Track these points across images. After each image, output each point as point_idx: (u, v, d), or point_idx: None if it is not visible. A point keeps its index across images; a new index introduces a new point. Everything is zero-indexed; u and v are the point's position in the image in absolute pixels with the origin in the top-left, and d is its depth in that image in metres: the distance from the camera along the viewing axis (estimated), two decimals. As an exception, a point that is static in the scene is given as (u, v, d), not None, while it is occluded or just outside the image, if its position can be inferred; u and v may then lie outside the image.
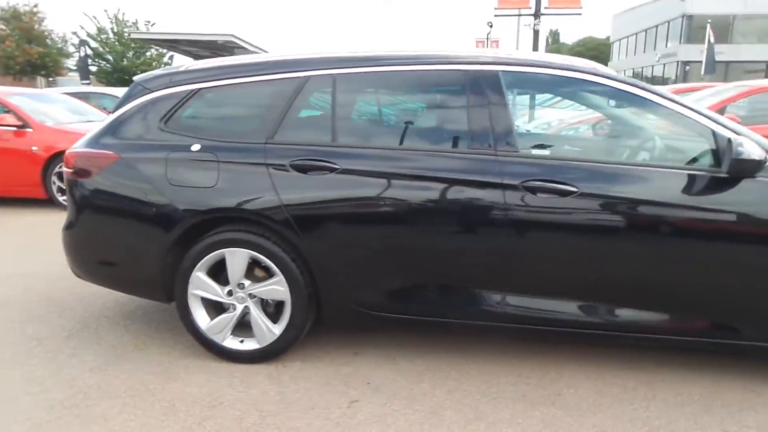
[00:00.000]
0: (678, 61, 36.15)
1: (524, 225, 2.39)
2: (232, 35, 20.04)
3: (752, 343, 2.40)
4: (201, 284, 2.65)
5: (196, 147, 2.64)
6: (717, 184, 2.32)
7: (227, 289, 2.65)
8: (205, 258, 2.60)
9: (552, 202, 2.35)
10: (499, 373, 2.61)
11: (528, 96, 2.65)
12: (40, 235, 5.30)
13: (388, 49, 2.82)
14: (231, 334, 2.69)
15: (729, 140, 2.25)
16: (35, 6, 32.88)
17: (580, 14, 15.10)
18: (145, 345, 2.92)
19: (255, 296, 2.64)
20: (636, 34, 43.35)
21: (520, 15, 16.58)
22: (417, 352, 2.81)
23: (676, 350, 2.70)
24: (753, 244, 2.31)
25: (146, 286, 2.78)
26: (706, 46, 23.56)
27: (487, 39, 51.77)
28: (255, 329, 2.66)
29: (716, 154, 2.35)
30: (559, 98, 2.84)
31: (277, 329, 2.64)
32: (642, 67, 42.89)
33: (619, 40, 48.69)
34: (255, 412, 2.32)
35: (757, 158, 2.21)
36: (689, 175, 2.35)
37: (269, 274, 2.64)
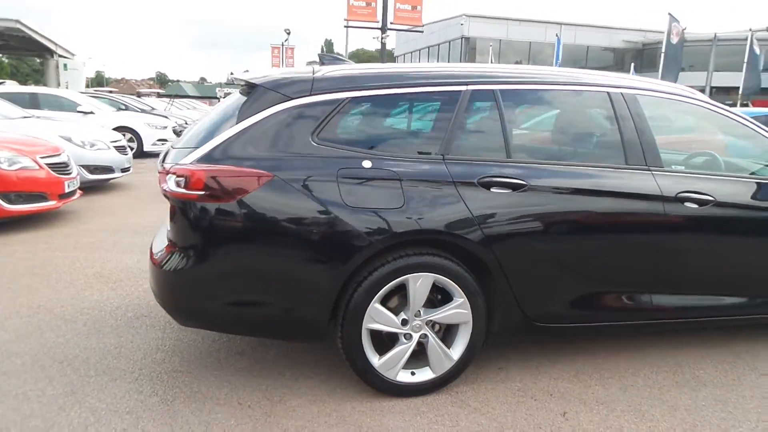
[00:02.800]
0: (459, 77, 40.88)
1: (678, 231, 2.69)
2: (18, 21, 16.79)
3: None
4: (379, 316, 2.38)
5: (367, 164, 2.36)
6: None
7: (401, 318, 2.43)
8: (386, 287, 2.35)
9: (694, 210, 2.70)
10: (636, 367, 2.87)
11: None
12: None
13: (540, 68, 2.88)
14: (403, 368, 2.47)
15: None
16: None
17: (421, 32, 16.24)
18: (277, 395, 2.49)
19: (431, 322, 2.47)
20: (420, 50, 47.80)
21: (348, 27, 17.15)
22: (550, 359, 2.91)
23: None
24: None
25: (303, 324, 2.39)
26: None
27: (283, 46, 52.14)
28: (432, 357, 2.48)
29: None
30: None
31: (455, 354, 2.51)
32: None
33: (404, 54, 53.18)
34: (488, 443, 2.21)
35: None
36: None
37: (438, 297, 2.50)
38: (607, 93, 2.76)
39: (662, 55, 17.56)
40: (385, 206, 2.33)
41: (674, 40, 19.06)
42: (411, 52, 50.61)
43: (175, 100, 22.53)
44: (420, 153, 2.46)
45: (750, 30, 19.93)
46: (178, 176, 2.30)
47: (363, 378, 2.44)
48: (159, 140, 12.06)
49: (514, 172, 2.49)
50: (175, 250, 2.36)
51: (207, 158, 2.31)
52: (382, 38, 13.00)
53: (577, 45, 41.00)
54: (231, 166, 2.27)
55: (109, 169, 7.69)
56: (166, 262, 2.36)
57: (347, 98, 2.44)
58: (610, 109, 2.73)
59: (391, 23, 14.88)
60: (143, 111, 14.27)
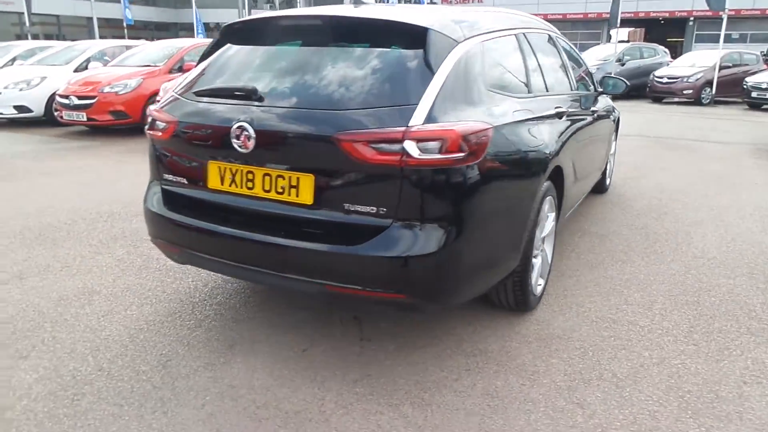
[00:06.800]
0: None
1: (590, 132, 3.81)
2: None
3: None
4: (536, 244, 2.65)
5: (517, 105, 2.51)
6: (598, 96, 4.42)
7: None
8: (539, 216, 2.63)
9: (594, 117, 3.86)
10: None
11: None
12: None
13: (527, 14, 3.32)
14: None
15: (601, 78, 4.42)
16: None
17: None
18: (457, 365, 2.46)
19: (542, 238, 2.87)
20: None
21: None
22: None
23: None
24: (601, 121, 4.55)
25: (509, 269, 2.47)
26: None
27: None
28: (543, 267, 2.90)
29: (592, 84, 4.43)
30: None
31: (549, 259, 3.00)
32: None
33: None
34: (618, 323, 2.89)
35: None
36: (595, 95, 4.36)
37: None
38: (549, 35, 3.53)
39: None
40: (542, 142, 2.58)
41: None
42: None
43: None
44: (523, 92, 2.72)
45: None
46: (423, 140, 1.92)
47: (522, 302, 2.68)
48: None
49: (557, 102, 3.04)
50: (427, 227, 2.00)
51: (437, 115, 2.00)
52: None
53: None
54: (479, 123, 2.07)
55: None
56: (420, 245, 1.99)
57: (483, 41, 2.44)
58: (554, 47, 3.53)
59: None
60: None
